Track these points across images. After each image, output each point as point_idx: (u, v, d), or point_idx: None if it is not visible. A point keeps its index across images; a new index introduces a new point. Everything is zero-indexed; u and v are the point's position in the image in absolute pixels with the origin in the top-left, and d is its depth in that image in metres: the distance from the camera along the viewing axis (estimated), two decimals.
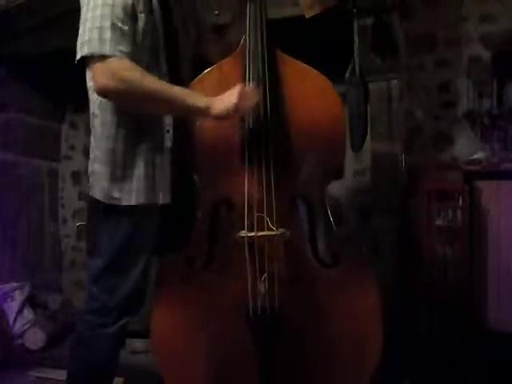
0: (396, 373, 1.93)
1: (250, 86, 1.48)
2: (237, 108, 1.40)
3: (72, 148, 3.41)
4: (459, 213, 2.07)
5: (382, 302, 1.51)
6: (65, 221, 3.42)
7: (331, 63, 1.65)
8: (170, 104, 1.42)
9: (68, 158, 3.42)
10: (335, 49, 2.15)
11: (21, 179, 3.13)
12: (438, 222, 2.11)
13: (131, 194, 1.48)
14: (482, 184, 2.11)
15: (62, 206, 3.42)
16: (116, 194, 1.47)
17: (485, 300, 2.08)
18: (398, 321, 1.92)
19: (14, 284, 2.83)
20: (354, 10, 2.20)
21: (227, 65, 1.61)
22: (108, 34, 1.34)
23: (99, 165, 1.48)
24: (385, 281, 1.55)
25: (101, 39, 1.34)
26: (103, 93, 1.38)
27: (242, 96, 1.40)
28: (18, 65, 2.95)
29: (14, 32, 2.74)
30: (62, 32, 2.59)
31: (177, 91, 1.41)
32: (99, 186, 1.49)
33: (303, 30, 2.01)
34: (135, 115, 1.48)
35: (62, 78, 2.99)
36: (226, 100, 1.41)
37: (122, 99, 1.40)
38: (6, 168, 3.05)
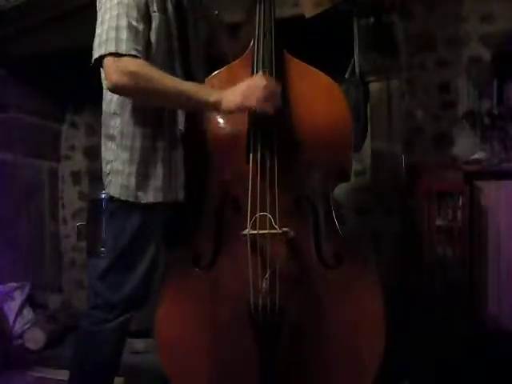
0: (396, 373, 1.93)
1: (260, 75, 1.48)
2: (246, 102, 1.41)
3: (72, 148, 3.41)
4: (459, 213, 2.07)
5: (384, 302, 1.51)
6: (65, 221, 3.41)
7: (331, 63, 1.65)
8: (181, 98, 1.43)
9: (68, 157, 3.42)
10: (335, 49, 2.15)
11: (21, 179, 3.13)
12: (438, 222, 2.11)
13: (151, 192, 1.51)
14: (481, 184, 2.12)
15: (62, 205, 3.42)
16: (136, 192, 1.50)
17: (485, 300, 2.08)
18: (398, 321, 1.92)
19: (14, 284, 2.82)
20: (354, 10, 2.21)
21: (236, 66, 1.61)
22: (124, 34, 1.38)
23: (119, 163, 1.51)
24: (385, 281, 1.55)
25: (117, 39, 1.37)
26: (115, 88, 1.40)
27: (252, 89, 1.41)
28: (18, 65, 2.95)
29: (14, 32, 2.74)
30: (62, 32, 2.59)
31: (188, 86, 1.44)
32: (118, 183, 1.51)
33: (303, 30, 2.01)
34: (154, 114, 1.50)
35: (62, 77, 3.00)
36: (237, 93, 1.42)
37: (134, 95, 1.43)
38: (6, 168, 3.05)
